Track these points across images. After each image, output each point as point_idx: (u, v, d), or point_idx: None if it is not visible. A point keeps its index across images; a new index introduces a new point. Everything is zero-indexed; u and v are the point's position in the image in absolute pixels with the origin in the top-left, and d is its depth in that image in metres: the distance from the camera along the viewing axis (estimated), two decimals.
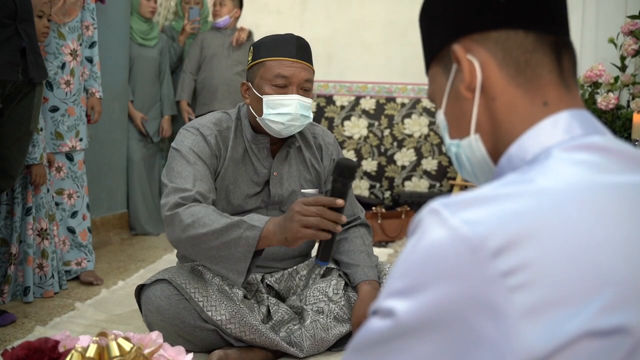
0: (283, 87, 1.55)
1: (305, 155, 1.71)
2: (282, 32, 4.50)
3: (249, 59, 1.62)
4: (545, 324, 0.44)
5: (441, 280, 0.46)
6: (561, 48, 0.60)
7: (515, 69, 0.59)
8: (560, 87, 0.59)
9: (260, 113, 1.58)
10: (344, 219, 1.30)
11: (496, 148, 0.61)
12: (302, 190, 1.68)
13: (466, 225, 0.47)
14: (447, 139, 0.67)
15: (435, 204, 0.49)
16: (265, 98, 1.55)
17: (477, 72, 0.60)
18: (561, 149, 0.54)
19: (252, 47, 1.62)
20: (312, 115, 1.62)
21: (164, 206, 1.47)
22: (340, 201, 1.27)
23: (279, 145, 1.69)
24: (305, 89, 1.57)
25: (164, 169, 1.58)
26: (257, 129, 1.64)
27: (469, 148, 0.63)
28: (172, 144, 1.63)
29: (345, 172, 1.28)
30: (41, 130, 2.17)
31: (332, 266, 1.74)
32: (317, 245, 1.38)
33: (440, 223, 0.48)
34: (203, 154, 1.57)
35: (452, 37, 0.62)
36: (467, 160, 0.65)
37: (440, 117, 0.66)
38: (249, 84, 1.62)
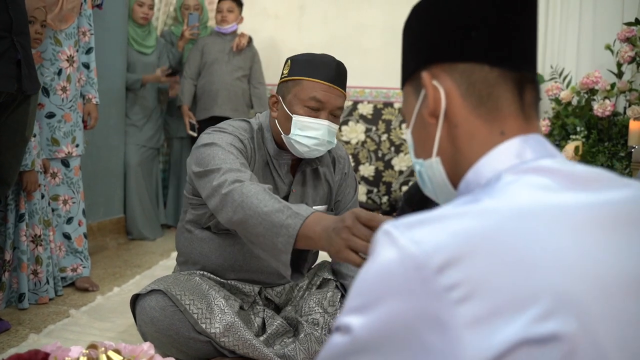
0: (315, 111, 1.51)
1: (320, 171, 1.69)
2: (281, 38, 4.50)
3: (284, 71, 1.56)
4: (485, 334, 0.47)
5: (391, 297, 0.50)
6: (525, 84, 0.64)
7: (477, 100, 0.63)
8: (518, 119, 0.63)
9: (287, 131, 1.54)
10: None
11: (455, 172, 0.65)
12: (313, 207, 1.65)
13: (413, 244, 0.50)
14: (412, 157, 0.72)
15: (388, 225, 0.53)
16: (295, 118, 1.51)
17: (441, 100, 0.64)
18: (511, 173, 0.58)
19: (289, 61, 1.56)
20: (336, 141, 1.59)
21: (220, 186, 1.34)
22: None
23: (299, 161, 1.65)
24: (335, 115, 1.54)
25: (194, 163, 1.46)
26: (280, 144, 1.60)
27: (431, 169, 0.68)
28: (202, 142, 1.50)
29: (417, 204, 1.20)
30: (34, 136, 2.17)
31: (330, 277, 1.73)
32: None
33: (391, 243, 0.52)
34: (242, 152, 1.51)
35: (423, 63, 0.66)
36: (428, 180, 0.69)
37: (408, 135, 0.71)
38: (280, 97, 1.57)
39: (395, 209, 3.82)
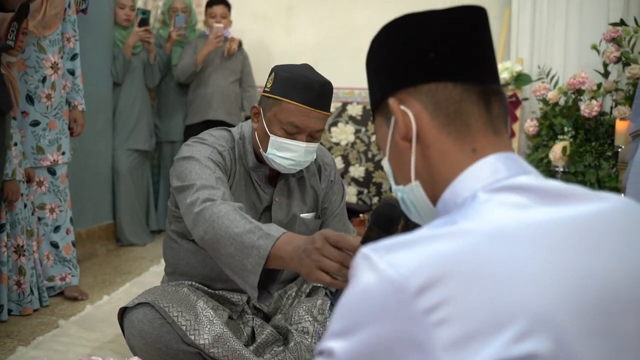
0: (293, 134, 1.48)
1: (305, 177, 1.68)
2: (269, 40, 4.47)
3: (267, 84, 1.52)
4: (464, 356, 0.48)
5: (372, 321, 0.51)
6: (490, 96, 0.64)
7: (445, 118, 0.63)
8: (487, 133, 0.64)
9: (265, 148, 1.52)
10: None
11: (434, 193, 0.66)
12: (301, 215, 1.65)
13: (391, 268, 0.51)
14: (393, 185, 0.72)
15: (367, 249, 0.54)
16: (272, 138, 1.49)
17: (411, 123, 0.64)
18: (486, 191, 0.59)
19: (273, 73, 1.51)
20: (315, 157, 1.57)
21: (192, 204, 1.35)
22: None
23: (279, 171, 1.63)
24: (314, 137, 1.51)
25: (174, 176, 1.46)
26: (259, 156, 1.59)
27: (412, 194, 0.68)
28: (182, 154, 1.50)
29: (385, 225, 1.05)
30: (15, 145, 2.15)
31: (319, 285, 1.73)
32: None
33: (369, 267, 0.52)
34: (220, 165, 1.49)
35: (388, 91, 0.67)
36: (411, 205, 0.70)
37: (386, 164, 0.72)
38: (261, 110, 1.54)
39: None
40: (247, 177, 1.60)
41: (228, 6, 3.63)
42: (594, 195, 0.60)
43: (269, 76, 1.53)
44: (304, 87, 1.44)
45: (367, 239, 1.09)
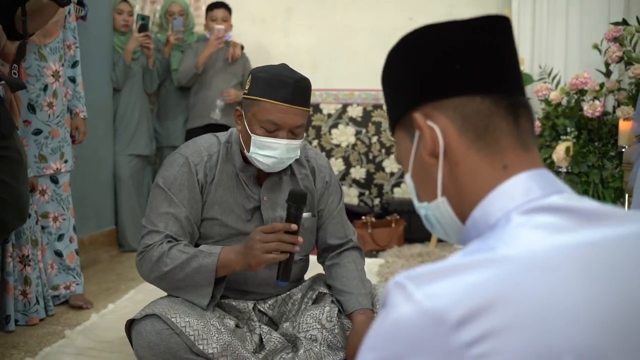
0: (273, 131, 1.53)
1: (298, 178, 1.70)
2: (267, 42, 4.45)
3: (247, 86, 1.57)
4: None
5: (409, 353, 0.49)
6: (518, 109, 0.62)
7: (474, 134, 0.61)
8: (517, 149, 0.61)
9: (248, 148, 1.57)
10: (301, 240, 1.46)
11: (462, 210, 0.64)
12: None
13: (429, 299, 0.49)
14: (416, 202, 0.70)
15: (401, 277, 0.52)
16: (253, 137, 1.54)
17: (439, 139, 0.62)
18: (519, 213, 0.56)
19: (250, 75, 1.57)
20: (298, 154, 1.61)
21: (139, 246, 1.58)
22: (294, 225, 1.45)
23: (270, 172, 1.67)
24: (295, 133, 1.55)
25: (148, 202, 1.63)
26: (247, 158, 1.62)
27: (438, 210, 0.66)
28: (158, 172, 1.63)
29: (297, 199, 1.46)
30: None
31: (325, 291, 1.72)
32: (277, 267, 1.49)
33: (405, 298, 0.50)
34: (186, 187, 1.58)
35: (412, 105, 0.64)
36: (436, 221, 0.68)
37: (409, 180, 0.69)
38: (242, 112, 1.59)
39: (388, 212, 3.82)
40: (236, 178, 1.64)
41: (229, 10, 3.62)
42: (631, 216, 0.58)
43: (247, 78, 1.59)
44: (279, 85, 1.50)
45: (288, 215, 1.47)
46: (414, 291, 0.50)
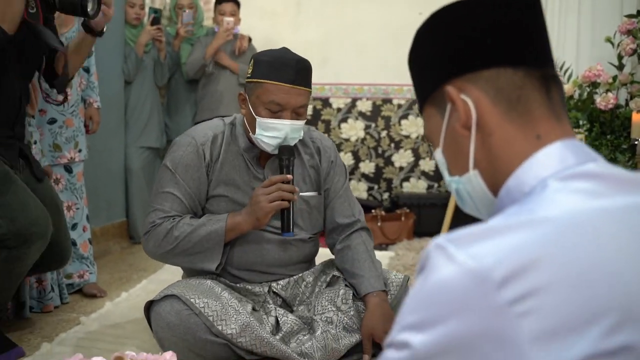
0: (277, 112, 1.57)
1: (304, 158, 1.73)
2: (277, 36, 4.47)
3: (249, 71, 1.62)
4: (553, 349, 0.46)
5: (452, 314, 0.49)
6: (549, 81, 0.63)
7: (507, 105, 0.62)
8: (550, 120, 0.62)
9: (253, 130, 1.61)
10: (297, 189, 1.60)
11: (495, 182, 0.64)
12: (301, 194, 1.69)
13: (472, 260, 0.49)
14: (446, 176, 0.70)
15: (441, 240, 0.52)
16: (258, 119, 1.58)
17: (471, 111, 0.63)
18: (556, 179, 0.57)
19: (252, 60, 1.62)
20: (302, 134, 1.65)
21: (144, 225, 1.64)
22: (289, 176, 1.58)
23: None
24: (298, 113, 1.59)
25: (155, 182, 1.68)
26: (251, 139, 1.66)
27: (469, 184, 0.66)
28: (166, 154, 1.68)
29: (286, 151, 1.59)
30: (35, 143, 2.15)
31: (338, 274, 1.73)
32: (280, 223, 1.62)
33: (447, 259, 0.51)
34: (192, 167, 1.62)
35: (444, 79, 0.65)
36: (468, 196, 0.68)
37: (439, 155, 0.70)
38: (246, 96, 1.63)
39: (397, 206, 3.82)
40: (241, 158, 1.67)
41: (237, 4, 3.63)
42: None
43: (249, 63, 1.63)
44: (280, 66, 1.55)
45: (282, 168, 1.60)
46: (456, 252, 0.50)
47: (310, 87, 1.61)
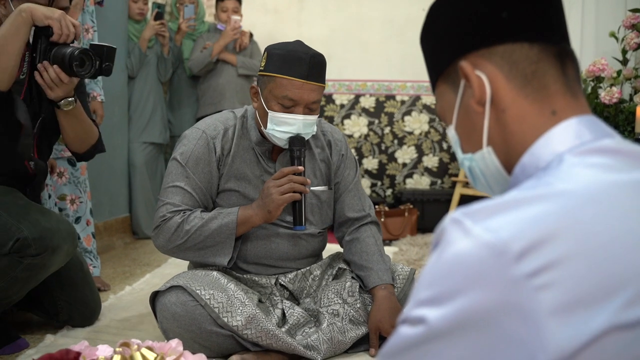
0: (289, 107, 1.54)
1: (315, 152, 1.71)
2: (280, 32, 4.47)
3: (262, 63, 1.59)
4: (572, 322, 0.46)
5: (469, 288, 0.48)
6: (564, 57, 0.62)
7: (522, 80, 0.61)
8: (566, 95, 0.61)
9: (265, 124, 1.59)
10: (309, 181, 1.57)
11: (509, 159, 0.63)
12: (312, 188, 1.67)
13: (489, 233, 0.48)
14: (459, 154, 0.69)
15: (457, 214, 0.51)
16: (270, 114, 1.55)
17: (486, 87, 0.62)
18: (573, 154, 0.56)
19: (266, 52, 1.58)
20: (315, 129, 1.63)
21: (154, 219, 1.61)
22: (300, 167, 1.56)
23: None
24: (311, 109, 1.57)
25: (165, 175, 1.65)
26: (263, 133, 1.64)
27: (482, 161, 0.65)
28: (175, 147, 1.65)
29: (297, 142, 1.57)
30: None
31: (345, 267, 1.73)
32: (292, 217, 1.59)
33: (463, 233, 0.50)
34: (203, 161, 1.60)
35: (458, 55, 0.64)
36: (480, 173, 0.67)
37: (452, 132, 0.69)
38: (259, 89, 1.61)
39: (401, 202, 3.81)
40: (252, 151, 1.66)
41: (239, 0, 3.62)
42: None
43: (263, 55, 1.60)
44: (294, 61, 1.51)
45: (293, 159, 1.58)
46: (472, 226, 0.49)
47: (324, 83, 1.58)
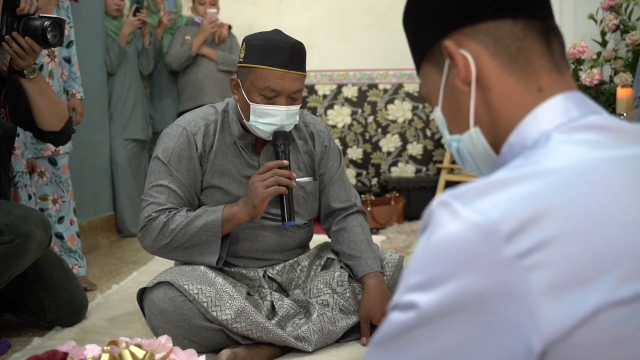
0: (271, 98, 1.52)
1: (298, 144, 1.70)
2: (260, 24, 4.43)
3: (241, 55, 1.56)
4: (565, 301, 0.45)
5: (459, 271, 0.47)
6: (549, 33, 0.61)
7: (507, 57, 0.60)
8: (552, 72, 0.60)
9: (247, 117, 1.56)
10: (295, 175, 1.56)
11: (496, 138, 0.62)
12: (297, 180, 1.66)
13: (478, 214, 0.48)
14: (446, 135, 0.68)
15: (445, 196, 0.50)
16: (252, 106, 1.53)
17: (471, 65, 0.61)
18: (560, 132, 0.55)
19: (244, 43, 1.55)
20: (297, 119, 1.61)
21: (140, 220, 1.58)
22: (285, 161, 1.54)
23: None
24: (294, 98, 1.55)
25: (147, 175, 1.63)
26: (245, 127, 1.62)
27: (470, 141, 0.64)
28: (156, 146, 1.63)
29: (281, 136, 1.55)
30: (17, 136, 2.10)
31: (333, 257, 1.72)
32: (281, 212, 1.58)
33: (452, 215, 0.49)
34: (185, 157, 1.58)
35: (441, 34, 0.63)
36: (468, 154, 0.66)
37: (438, 114, 0.67)
38: (239, 81, 1.58)
39: (387, 191, 3.82)
40: (234, 146, 1.63)
41: None
42: None
43: (242, 46, 1.56)
44: (274, 50, 1.48)
45: (277, 153, 1.57)
46: (461, 208, 0.49)
47: (305, 71, 1.56)
